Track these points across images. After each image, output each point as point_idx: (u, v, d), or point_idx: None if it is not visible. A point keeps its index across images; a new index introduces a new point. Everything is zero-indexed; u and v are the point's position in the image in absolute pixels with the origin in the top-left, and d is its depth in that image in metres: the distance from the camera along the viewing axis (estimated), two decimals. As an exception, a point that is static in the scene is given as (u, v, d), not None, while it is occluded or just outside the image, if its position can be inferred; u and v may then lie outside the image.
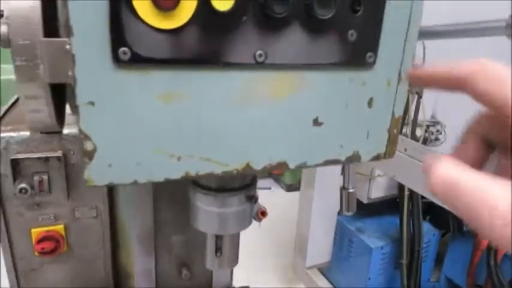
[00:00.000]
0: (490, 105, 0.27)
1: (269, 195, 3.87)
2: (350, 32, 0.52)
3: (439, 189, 0.27)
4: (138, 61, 0.44)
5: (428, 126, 2.32)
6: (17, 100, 1.11)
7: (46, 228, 1.01)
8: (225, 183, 0.66)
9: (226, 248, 0.72)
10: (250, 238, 3.20)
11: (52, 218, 1.02)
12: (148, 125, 0.47)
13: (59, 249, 1.03)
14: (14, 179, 0.94)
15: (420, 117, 2.17)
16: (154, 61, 0.44)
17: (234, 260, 0.75)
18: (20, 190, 0.94)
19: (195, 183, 0.66)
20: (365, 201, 2.43)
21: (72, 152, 0.96)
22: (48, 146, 0.95)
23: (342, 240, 2.55)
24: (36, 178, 0.96)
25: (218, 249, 0.71)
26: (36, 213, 0.99)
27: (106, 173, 0.47)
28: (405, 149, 1.61)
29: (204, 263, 0.74)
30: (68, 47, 0.42)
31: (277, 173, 3.92)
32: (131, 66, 0.44)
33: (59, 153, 0.95)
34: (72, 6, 0.40)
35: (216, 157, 0.51)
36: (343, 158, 0.58)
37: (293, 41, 0.49)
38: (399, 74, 0.57)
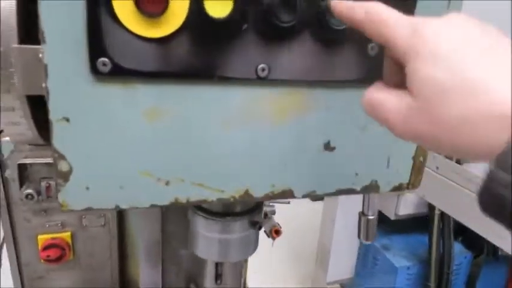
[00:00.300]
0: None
1: (293, 203, 3.78)
2: (370, 45, 0.45)
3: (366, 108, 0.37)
4: (120, 73, 0.38)
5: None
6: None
7: (52, 235, 0.99)
8: (227, 207, 0.60)
9: (228, 276, 0.66)
10: (270, 247, 3.13)
11: (59, 225, 0.99)
12: (132, 145, 0.41)
13: (64, 257, 1.00)
14: (21, 184, 0.92)
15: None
16: (138, 74, 0.39)
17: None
18: (27, 196, 0.91)
19: (195, 205, 0.61)
20: (392, 217, 2.31)
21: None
22: (56, 151, 0.92)
23: (366, 256, 2.44)
24: (43, 184, 0.93)
25: (219, 276, 0.64)
26: (43, 220, 0.97)
27: (83, 196, 0.42)
28: (437, 167, 1.50)
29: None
30: (40, 55, 0.37)
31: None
32: (112, 79, 0.39)
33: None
34: (43, 7, 0.35)
35: (209, 182, 0.45)
36: (358, 188, 0.51)
37: (302, 54, 0.43)
38: (428, 94, 0.49)
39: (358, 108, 0.47)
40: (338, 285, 2.56)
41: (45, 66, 0.37)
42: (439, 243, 2.15)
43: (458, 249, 2.32)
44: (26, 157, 0.90)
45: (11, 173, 0.91)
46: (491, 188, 0.27)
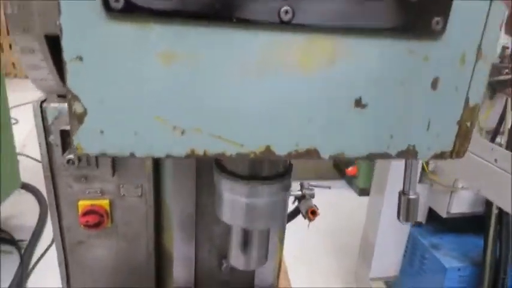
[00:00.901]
0: None
1: (340, 197, 3.69)
2: (411, -12, 0.40)
3: None
4: (133, 11, 0.37)
5: (530, 137, 1.99)
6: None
7: (92, 202, 1.02)
8: (253, 170, 0.57)
9: (254, 245, 0.63)
10: (315, 239, 3.08)
11: (98, 192, 1.02)
12: (146, 89, 0.40)
13: (103, 224, 1.03)
14: (63, 150, 0.95)
15: (520, 125, 1.86)
16: (152, 12, 0.37)
17: (263, 259, 0.66)
18: (68, 161, 0.94)
19: (220, 167, 0.59)
20: (444, 215, 2.17)
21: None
22: (97, 119, 0.94)
23: (414, 255, 2.32)
24: (84, 151, 0.95)
25: (245, 244, 0.62)
26: (83, 186, 1.00)
27: (98, 140, 0.41)
28: (495, 160, 1.38)
29: (229, 259, 0.66)
30: (55, -10, 0.36)
31: (351, 174, 3.72)
32: (125, 17, 0.37)
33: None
34: None
35: (228, 135, 0.43)
36: (393, 153, 0.46)
37: (331, -5, 0.39)
38: (478, 48, 0.43)
39: (395, 60, 0.43)
40: (382, 282, 2.46)
41: (59, 3, 0.36)
42: (495, 245, 2.00)
43: (517, 253, 2.14)
44: (68, 124, 0.93)
45: (54, 138, 0.94)
46: None
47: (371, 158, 0.46)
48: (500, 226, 1.99)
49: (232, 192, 0.58)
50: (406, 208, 0.68)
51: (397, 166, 2.09)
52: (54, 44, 0.42)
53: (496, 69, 1.88)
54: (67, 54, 0.37)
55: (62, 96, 0.78)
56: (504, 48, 1.86)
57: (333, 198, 3.53)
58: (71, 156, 0.94)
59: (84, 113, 0.40)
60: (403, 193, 0.68)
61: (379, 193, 2.23)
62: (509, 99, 1.88)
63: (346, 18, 0.40)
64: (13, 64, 5.92)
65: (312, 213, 1.01)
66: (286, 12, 0.38)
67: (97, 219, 1.01)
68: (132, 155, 0.42)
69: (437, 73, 0.44)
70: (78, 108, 0.39)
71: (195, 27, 0.38)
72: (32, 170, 3.24)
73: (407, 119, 0.45)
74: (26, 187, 3.15)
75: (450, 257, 2.13)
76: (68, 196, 1.01)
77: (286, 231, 1.11)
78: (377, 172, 2.29)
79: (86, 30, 0.37)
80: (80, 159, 0.95)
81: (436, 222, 2.31)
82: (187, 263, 1.06)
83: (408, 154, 0.46)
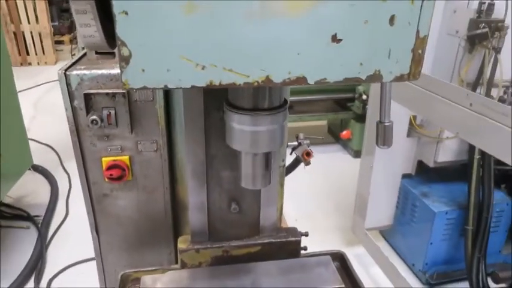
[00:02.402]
0: None
1: (336, 160, 3.86)
2: None
3: None
4: (162, -26, 0.49)
5: (508, 88, 2.13)
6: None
7: (114, 158, 1.15)
8: (256, 103, 0.71)
9: (258, 167, 0.78)
10: (314, 200, 3.26)
11: (119, 149, 1.15)
12: (173, 34, 0.53)
13: (125, 177, 1.17)
14: (87, 112, 1.08)
15: (497, 76, 2.00)
16: (177, -26, 0.50)
17: (267, 180, 0.80)
18: (92, 121, 1.07)
19: (230, 104, 0.72)
20: (431, 164, 2.34)
21: (134, 90, 1.07)
22: (114, 83, 1.07)
23: (405, 204, 2.49)
24: (105, 112, 1.09)
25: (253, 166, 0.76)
26: (105, 144, 1.13)
27: (140, 77, 0.54)
28: (470, 104, 1.52)
29: (239, 181, 0.80)
30: (105, -41, 0.49)
31: (345, 137, 3.87)
32: (157, -21, 0.50)
33: (124, 90, 1.06)
34: None
35: (237, 68, 0.56)
36: (363, 77, 0.60)
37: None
38: (424, -10, 0.57)
39: (361, 3, 0.56)
40: (377, 232, 2.65)
41: (109, -31, 0.48)
42: (478, 189, 2.16)
43: (500, 196, 2.32)
44: (90, 88, 1.06)
45: (78, 102, 1.07)
46: None
47: (346, 82, 0.60)
48: (482, 171, 2.15)
49: (239, 123, 0.72)
50: (383, 134, 0.82)
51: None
52: (102, 7, 0.55)
53: (474, 24, 2.01)
54: (116, 9, 0.50)
55: (99, 53, 0.90)
56: (481, 3, 1.98)
57: (329, 161, 3.70)
58: (94, 117, 1.07)
59: (130, 55, 0.53)
60: (380, 122, 0.81)
61: (370, 152, 2.38)
62: (487, 52, 2.01)
63: (322, -28, 0.53)
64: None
65: (307, 155, 1.15)
66: (276, -31, 0.51)
67: (119, 173, 1.16)
68: (166, 86, 0.55)
69: (393, 11, 0.57)
70: (125, 51, 0.53)
71: (209, -15, 0.51)
72: (37, 152, 3.38)
73: (372, 49, 0.59)
74: (35, 168, 3.29)
75: (438, 202, 2.31)
76: (92, 153, 1.15)
77: (284, 193, 1.25)
78: (368, 133, 2.43)
79: (129, -9, 0.50)
80: (102, 120, 1.09)
81: (425, 173, 2.48)
82: (201, 207, 1.20)
83: (375, 78, 0.60)
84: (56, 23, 6.53)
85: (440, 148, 2.25)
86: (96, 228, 1.27)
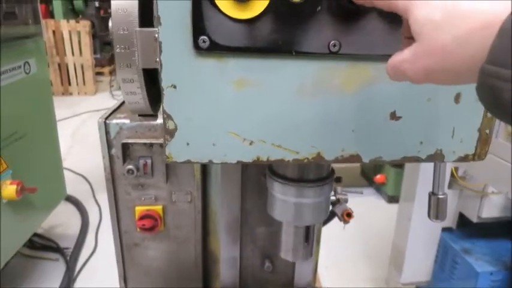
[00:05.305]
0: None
1: (369, 205, 3.73)
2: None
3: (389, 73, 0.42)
4: (215, 49, 0.47)
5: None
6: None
7: (147, 207, 1.13)
8: (302, 174, 0.67)
9: (300, 239, 0.73)
10: (345, 246, 3.13)
11: (153, 198, 1.13)
12: (222, 109, 0.50)
13: (157, 228, 1.14)
14: (124, 161, 1.07)
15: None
16: (230, 49, 0.48)
17: (309, 253, 0.75)
18: (128, 171, 1.06)
19: (273, 172, 0.69)
20: (474, 220, 2.20)
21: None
22: (152, 133, 1.06)
23: (445, 259, 2.34)
24: (141, 161, 1.08)
25: (300, 239, 0.71)
26: (140, 193, 1.12)
27: (184, 151, 0.52)
28: (522, 162, 1.42)
29: (279, 252, 0.75)
30: (156, 35, 0.47)
31: (379, 181, 3.75)
32: (209, 54, 0.48)
33: (161, 141, 1.05)
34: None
35: (287, 144, 0.53)
36: (423, 156, 0.55)
37: (369, 30, 0.48)
38: (493, 68, 0.52)
39: (423, 80, 0.52)
40: (413, 287, 2.49)
41: (160, 44, 0.47)
42: (527, 249, 2.01)
43: (551, 258, 2.14)
44: (128, 137, 1.06)
45: (116, 151, 1.06)
46: (483, 81, 0.33)
47: (404, 161, 0.55)
48: (532, 230, 2.00)
49: (283, 193, 0.67)
50: (435, 207, 0.76)
51: (426, 174, 2.14)
52: (148, 76, 0.54)
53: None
54: (165, 82, 0.48)
55: (142, 116, 0.90)
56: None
57: (362, 206, 3.56)
58: (130, 166, 1.06)
59: (175, 129, 0.50)
60: (432, 193, 0.75)
61: (409, 199, 2.27)
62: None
63: (381, 48, 0.50)
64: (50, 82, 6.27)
65: (348, 215, 1.09)
66: (335, 45, 0.48)
67: (152, 223, 1.13)
68: (211, 161, 0.52)
69: (459, 89, 0.52)
70: (170, 125, 0.50)
71: (262, 59, 0.49)
72: (72, 183, 3.43)
73: (434, 128, 0.54)
74: (68, 198, 3.34)
75: (482, 261, 2.15)
76: (126, 202, 1.13)
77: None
78: (406, 179, 2.34)
79: (179, 64, 0.48)
80: (138, 169, 1.07)
81: (467, 228, 2.33)
82: (233, 263, 1.16)
83: (436, 157, 0.55)
84: (98, 56, 6.82)
85: (484, 203, 2.12)
86: (124, 278, 1.24)
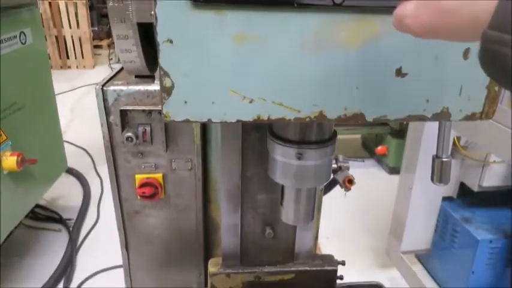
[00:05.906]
0: None
1: (370, 177, 3.73)
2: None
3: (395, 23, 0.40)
4: (213, 1, 0.45)
5: None
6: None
7: (147, 175, 1.13)
8: (303, 135, 0.65)
9: (302, 202, 0.72)
10: (346, 217, 3.16)
11: (153, 166, 1.12)
12: (221, 65, 0.48)
13: (157, 196, 1.14)
14: (122, 129, 1.05)
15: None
16: (228, 1, 0.45)
17: (310, 216, 0.74)
18: (127, 138, 1.05)
19: (274, 135, 0.67)
20: (475, 189, 2.20)
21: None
22: (151, 100, 1.04)
23: (445, 228, 2.36)
24: (140, 129, 1.06)
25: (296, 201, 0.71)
26: (139, 161, 1.11)
27: (182, 109, 0.50)
28: (526, 130, 1.41)
29: (280, 216, 0.75)
30: (151, -14, 0.45)
31: (380, 153, 3.75)
32: (206, 6, 0.45)
33: (160, 107, 1.03)
34: None
35: (288, 103, 0.51)
36: (429, 115, 0.53)
37: (376, -21, 0.46)
38: (505, 21, 0.49)
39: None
40: (413, 256, 2.52)
41: (155, -5, 0.44)
42: (527, 217, 2.02)
43: (550, 226, 2.15)
44: (126, 104, 1.04)
45: (114, 118, 1.05)
46: (485, 46, 0.32)
47: (409, 119, 0.54)
48: (532, 198, 2.00)
49: (283, 155, 0.66)
50: (439, 170, 0.75)
51: (427, 144, 2.12)
52: (143, 32, 0.51)
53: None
54: (160, 37, 0.46)
55: (139, 77, 0.87)
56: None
57: (363, 177, 3.56)
58: (129, 134, 1.04)
59: (172, 86, 0.49)
60: (436, 157, 0.74)
61: (409, 170, 2.27)
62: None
63: (389, -1, 0.47)
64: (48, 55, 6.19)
65: (349, 182, 1.08)
66: (338, -4, 0.46)
67: (152, 191, 1.12)
68: (210, 120, 0.51)
69: (468, 44, 0.50)
70: (167, 82, 0.48)
71: (262, 12, 0.46)
72: (73, 156, 3.44)
73: (441, 85, 0.52)
74: (69, 171, 3.34)
75: (482, 229, 2.16)
76: (126, 170, 1.12)
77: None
78: (407, 150, 2.33)
79: (175, 18, 0.46)
80: (137, 137, 1.06)
81: (467, 197, 2.34)
82: (234, 230, 1.15)
83: (442, 116, 0.53)
84: (96, 28, 6.69)
85: (486, 172, 2.12)
86: (126, 245, 1.25)
